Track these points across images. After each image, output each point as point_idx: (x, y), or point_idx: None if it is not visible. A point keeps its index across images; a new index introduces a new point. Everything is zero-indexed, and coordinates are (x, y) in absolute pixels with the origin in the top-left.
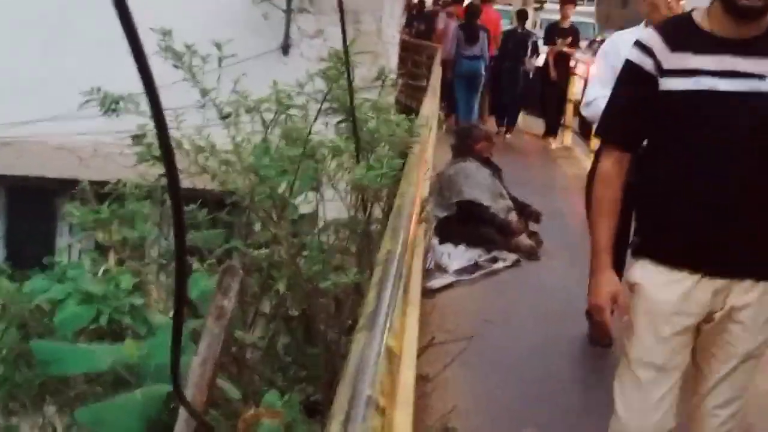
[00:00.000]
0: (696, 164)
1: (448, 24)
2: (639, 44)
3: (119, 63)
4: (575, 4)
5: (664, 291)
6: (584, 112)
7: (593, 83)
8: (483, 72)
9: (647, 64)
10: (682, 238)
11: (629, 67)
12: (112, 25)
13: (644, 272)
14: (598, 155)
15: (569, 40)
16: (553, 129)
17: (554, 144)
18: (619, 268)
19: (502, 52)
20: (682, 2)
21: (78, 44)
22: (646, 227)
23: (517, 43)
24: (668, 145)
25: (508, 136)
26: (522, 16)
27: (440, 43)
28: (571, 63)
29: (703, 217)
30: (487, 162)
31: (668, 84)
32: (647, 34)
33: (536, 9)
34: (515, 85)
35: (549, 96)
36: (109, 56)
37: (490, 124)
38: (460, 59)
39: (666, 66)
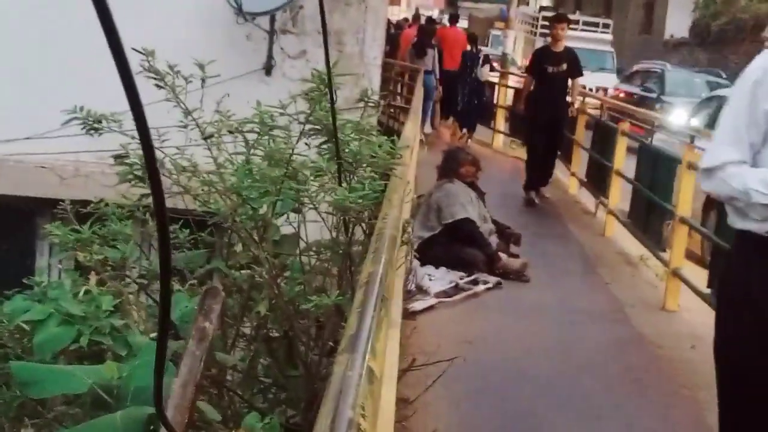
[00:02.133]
0: None
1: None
2: None
3: (100, 81)
4: (568, 23)
5: None
6: (704, 183)
7: (721, 136)
8: (433, 84)
9: None
10: None
11: None
12: (92, 43)
13: None
14: None
15: (563, 67)
16: (535, 181)
17: (538, 200)
18: None
19: (461, 68)
20: None
21: (58, 63)
22: None
23: (470, 60)
24: None
25: (470, 141)
26: (472, 38)
27: (403, 61)
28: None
29: None
30: (471, 186)
31: None
32: None
33: (544, 35)
34: (471, 95)
35: (534, 137)
36: (89, 74)
37: (444, 129)
38: None
39: None
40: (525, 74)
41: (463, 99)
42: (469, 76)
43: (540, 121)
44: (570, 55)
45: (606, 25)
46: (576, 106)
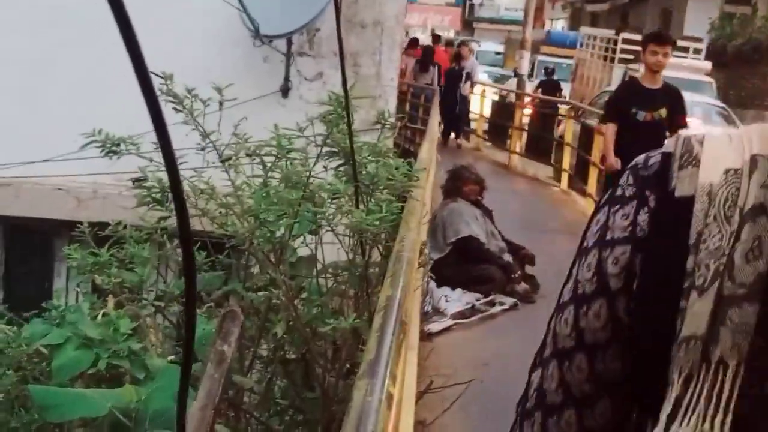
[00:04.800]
0: None
1: (408, 63)
2: None
3: (117, 104)
4: (673, 46)
5: None
6: None
7: None
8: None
9: None
10: None
11: None
12: (110, 66)
13: None
14: None
15: (662, 112)
16: None
17: None
18: None
19: (446, 83)
20: None
21: (76, 85)
22: None
23: (454, 76)
24: None
25: (459, 142)
26: (457, 56)
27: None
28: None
29: None
30: (476, 204)
31: None
32: None
33: (625, 60)
34: (455, 106)
35: None
36: (106, 97)
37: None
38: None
39: None
40: (603, 122)
41: (448, 109)
42: (453, 90)
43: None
44: (672, 95)
45: (697, 50)
46: None
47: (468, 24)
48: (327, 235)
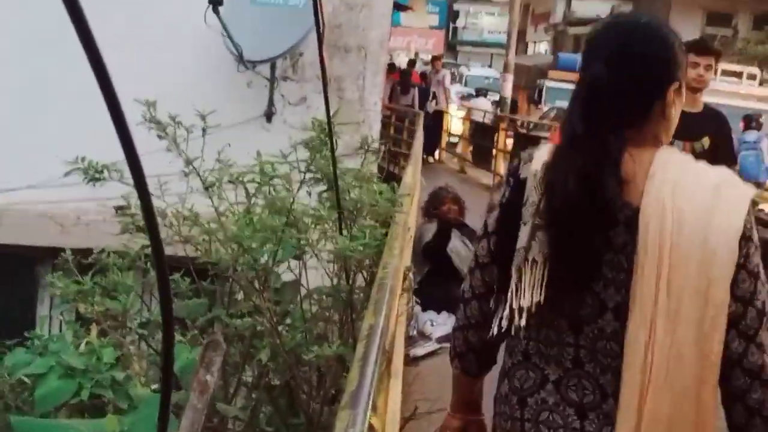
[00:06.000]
0: None
1: (386, 85)
2: None
3: (100, 130)
4: (717, 57)
5: None
6: None
7: None
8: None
9: None
10: None
11: None
12: (93, 92)
13: None
14: None
15: (703, 143)
16: None
17: None
18: None
19: (420, 103)
20: None
21: (59, 111)
22: None
23: (422, 93)
24: None
25: (430, 160)
26: (423, 76)
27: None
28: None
29: None
30: (454, 223)
31: None
32: None
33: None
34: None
35: None
36: (90, 123)
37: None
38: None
39: None
40: None
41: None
42: (423, 109)
43: None
44: (716, 121)
45: (752, 76)
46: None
47: (452, 47)
48: (311, 260)
